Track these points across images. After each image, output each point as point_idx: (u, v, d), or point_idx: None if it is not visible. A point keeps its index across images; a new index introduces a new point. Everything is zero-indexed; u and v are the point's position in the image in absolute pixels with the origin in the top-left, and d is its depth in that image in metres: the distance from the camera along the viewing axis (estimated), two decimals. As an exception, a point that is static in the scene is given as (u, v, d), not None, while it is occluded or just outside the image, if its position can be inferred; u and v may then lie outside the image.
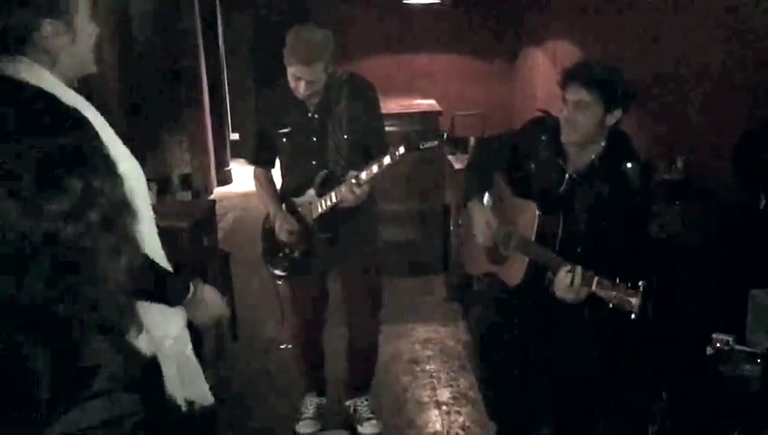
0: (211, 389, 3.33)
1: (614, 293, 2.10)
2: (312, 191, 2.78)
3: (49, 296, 0.95)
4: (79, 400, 0.96)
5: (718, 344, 2.34)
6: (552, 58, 5.68)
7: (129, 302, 1.07)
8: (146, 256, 1.42)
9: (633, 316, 2.07)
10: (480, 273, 2.75)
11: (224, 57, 7.94)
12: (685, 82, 3.50)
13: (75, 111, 1.08)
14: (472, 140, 4.95)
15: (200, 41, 6.78)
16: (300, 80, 2.59)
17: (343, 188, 2.61)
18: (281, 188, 2.95)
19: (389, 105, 5.28)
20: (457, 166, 4.50)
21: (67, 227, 0.95)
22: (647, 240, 2.52)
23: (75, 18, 1.51)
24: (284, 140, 2.78)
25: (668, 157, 3.38)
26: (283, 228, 2.82)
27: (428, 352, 3.84)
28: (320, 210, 2.76)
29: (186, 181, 5.25)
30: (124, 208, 1.04)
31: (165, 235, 3.26)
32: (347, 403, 3.21)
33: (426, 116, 5.18)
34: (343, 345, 3.19)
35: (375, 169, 2.57)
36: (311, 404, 3.20)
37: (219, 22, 7.81)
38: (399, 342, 3.97)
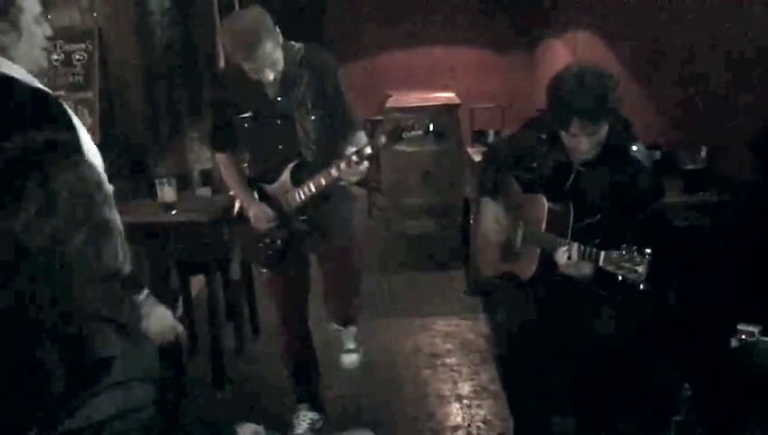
0: (231, 381, 3.36)
1: (620, 263, 2.08)
2: (284, 177, 2.64)
3: (38, 300, 0.96)
4: (94, 392, 0.96)
5: (743, 336, 2.31)
6: (572, 49, 5.63)
7: (119, 289, 1.08)
8: None
9: (642, 287, 2.04)
10: (495, 274, 2.73)
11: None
12: (706, 69, 3.45)
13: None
14: (491, 133, 4.94)
15: (219, 36, 6.79)
16: (258, 70, 2.43)
17: (344, 167, 2.47)
18: (249, 175, 2.81)
19: (409, 99, 5.29)
20: (477, 158, 4.48)
21: (36, 233, 0.95)
22: (659, 218, 2.49)
23: (20, 19, 1.73)
24: (246, 125, 2.61)
25: (691, 146, 3.34)
26: (260, 219, 2.69)
27: (449, 346, 3.83)
28: (299, 200, 2.63)
29: (206, 177, 5.26)
30: (96, 194, 1.05)
31: (186, 230, 3.32)
32: (331, 327, 3.13)
33: (444, 109, 5.17)
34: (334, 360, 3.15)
35: (368, 149, 2.44)
36: (303, 419, 3.02)
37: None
38: (420, 335, 3.96)
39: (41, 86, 1.74)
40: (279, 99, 2.56)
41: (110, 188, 1.28)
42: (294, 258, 2.80)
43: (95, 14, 5.43)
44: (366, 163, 2.45)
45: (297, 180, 2.62)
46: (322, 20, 6.67)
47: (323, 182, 2.55)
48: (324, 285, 3.00)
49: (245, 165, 2.85)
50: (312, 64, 2.56)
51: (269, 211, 2.68)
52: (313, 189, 2.58)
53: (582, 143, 2.27)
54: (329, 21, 6.65)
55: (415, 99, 5.25)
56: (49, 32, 1.86)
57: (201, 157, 6.43)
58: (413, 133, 2.45)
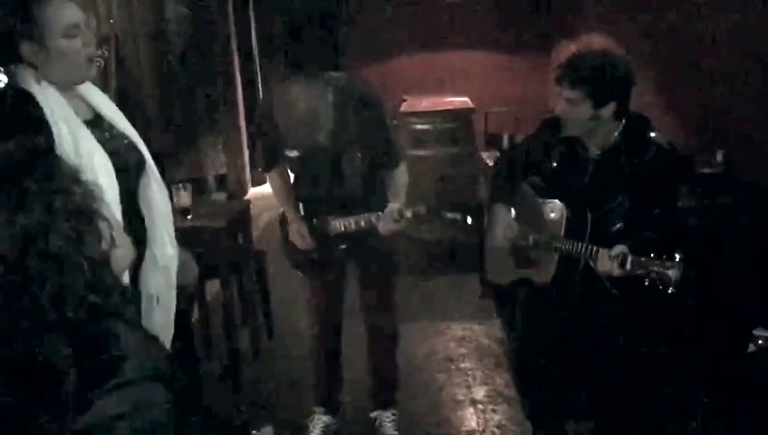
0: (247, 386, 3.36)
1: (651, 268, 2.07)
2: (329, 208, 2.71)
3: (43, 297, 0.98)
4: (106, 390, 0.98)
5: (760, 341, 2.30)
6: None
7: (113, 278, 1.10)
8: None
9: (671, 290, 2.03)
10: (509, 280, 2.72)
11: (257, 58, 8.01)
12: (723, 72, 3.43)
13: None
14: (505, 138, 4.93)
15: (234, 42, 6.85)
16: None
17: (383, 219, 2.57)
18: (295, 194, 2.85)
19: (423, 103, 5.29)
20: (491, 163, 4.48)
21: (15, 229, 0.98)
22: (678, 211, 2.48)
23: (45, 36, 1.82)
24: (294, 161, 2.68)
25: (708, 150, 3.32)
26: (298, 236, 2.79)
27: (463, 350, 3.83)
28: (339, 230, 2.70)
29: (221, 182, 5.32)
30: (73, 186, 1.08)
31: (201, 235, 3.35)
32: (371, 415, 3.10)
33: (458, 113, 5.17)
34: (361, 367, 3.11)
35: (409, 213, 2.56)
36: (318, 422, 3.07)
37: (253, 22, 7.89)
38: (435, 340, 3.96)
39: (37, 97, 1.82)
40: (328, 142, 2.54)
41: (97, 181, 1.31)
42: (332, 266, 2.87)
43: (112, 21, 5.50)
44: (402, 223, 2.57)
45: (339, 215, 2.69)
46: (339, 25, 6.70)
47: (363, 224, 2.65)
48: (362, 306, 2.99)
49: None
50: (358, 101, 2.54)
51: (307, 236, 2.77)
52: (353, 227, 2.67)
53: (561, 107, 2.31)
54: (344, 25, 6.67)
55: (429, 103, 5.26)
56: (90, 39, 1.91)
57: (216, 162, 6.49)
58: (450, 216, 2.55)
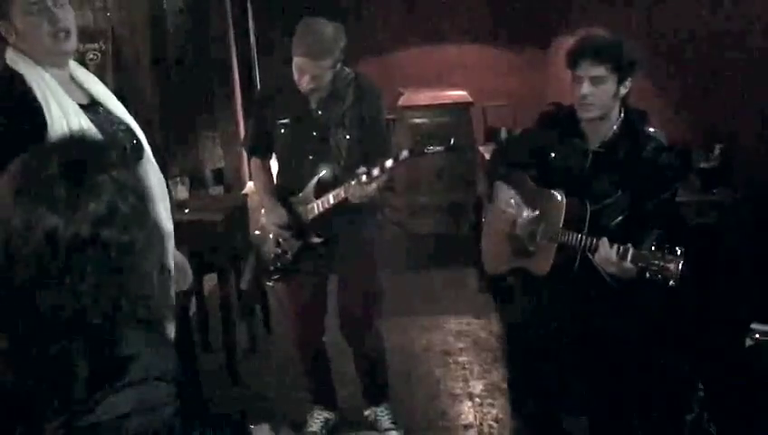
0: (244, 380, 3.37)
1: (652, 261, 2.06)
2: (308, 189, 2.67)
3: (83, 297, 0.97)
4: (115, 388, 0.98)
5: (757, 335, 2.30)
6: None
7: (167, 293, 1.10)
8: None
9: (672, 284, 2.02)
10: (504, 269, 2.71)
11: (255, 51, 7.98)
12: (721, 66, 3.43)
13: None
14: (503, 131, 4.93)
15: (231, 35, 6.82)
16: (305, 73, 2.47)
17: (353, 186, 2.48)
18: (276, 183, 2.84)
19: (421, 97, 5.28)
20: (489, 156, 4.48)
21: (104, 228, 0.98)
22: (676, 206, 2.48)
23: (11, 12, 1.86)
24: (282, 131, 2.66)
25: (705, 144, 3.32)
26: (275, 222, 2.73)
27: (461, 344, 3.83)
28: (316, 212, 2.66)
29: (218, 176, 5.31)
30: (146, 195, 1.08)
31: (198, 228, 3.34)
32: (366, 413, 3.09)
33: (457, 107, 5.17)
34: (347, 358, 3.08)
35: (377, 171, 2.45)
36: (318, 418, 3.08)
37: (250, 15, 7.86)
38: (432, 334, 3.97)
39: (27, 78, 1.86)
40: (320, 112, 2.61)
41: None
42: (309, 275, 2.81)
43: (108, 14, 5.47)
44: (373, 186, 2.46)
45: (320, 193, 2.65)
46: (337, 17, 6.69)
47: (343, 194, 2.56)
48: (342, 314, 2.92)
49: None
50: (359, 88, 2.62)
51: (284, 216, 2.71)
52: (332, 202, 2.60)
53: (585, 87, 2.27)
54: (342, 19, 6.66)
55: (427, 97, 5.25)
56: (58, 17, 1.89)
57: (214, 155, 6.47)
58: (433, 149, 2.48)
